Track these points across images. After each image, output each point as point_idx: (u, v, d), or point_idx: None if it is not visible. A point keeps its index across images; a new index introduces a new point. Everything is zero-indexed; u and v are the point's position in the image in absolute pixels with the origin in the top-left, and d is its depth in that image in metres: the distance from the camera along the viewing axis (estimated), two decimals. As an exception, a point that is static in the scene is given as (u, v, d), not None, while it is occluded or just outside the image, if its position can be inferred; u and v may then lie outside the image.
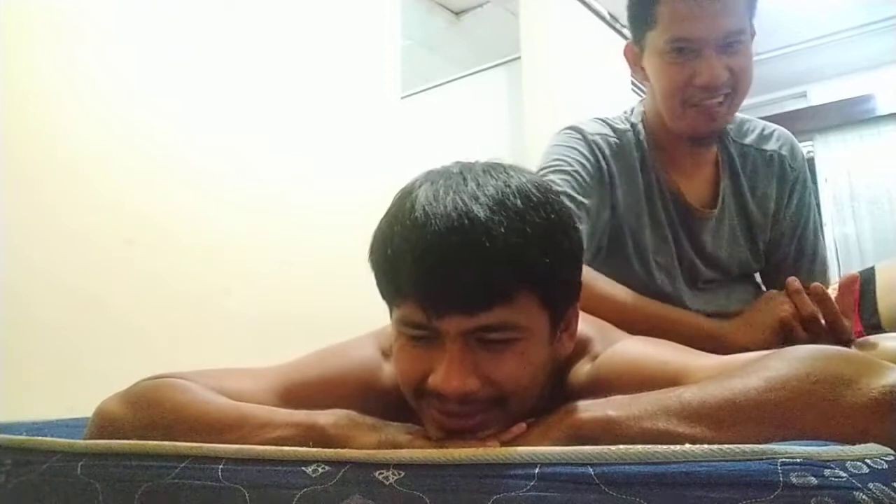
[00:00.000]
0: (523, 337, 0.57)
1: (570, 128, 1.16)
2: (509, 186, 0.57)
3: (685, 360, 0.62)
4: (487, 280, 0.54)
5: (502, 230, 0.54)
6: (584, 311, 0.68)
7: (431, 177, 0.61)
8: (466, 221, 0.54)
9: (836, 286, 0.95)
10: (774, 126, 1.25)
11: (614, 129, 1.17)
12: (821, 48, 3.73)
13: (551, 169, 1.09)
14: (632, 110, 1.22)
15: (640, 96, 1.24)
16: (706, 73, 1.02)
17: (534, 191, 0.58)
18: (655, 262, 1.13)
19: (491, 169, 0.61)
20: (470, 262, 0.53)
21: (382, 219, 0.62)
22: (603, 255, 1.12)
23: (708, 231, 1.15)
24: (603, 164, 1.11)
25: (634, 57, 1.14)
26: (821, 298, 0.91)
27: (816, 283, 0.92)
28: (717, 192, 1.17)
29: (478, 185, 0.57)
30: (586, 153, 1.11)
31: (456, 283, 0.54)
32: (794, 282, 0.95)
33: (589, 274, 0.98)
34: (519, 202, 0.56)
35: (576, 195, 1.05)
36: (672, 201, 1.14)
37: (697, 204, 1.16)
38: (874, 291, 1.28)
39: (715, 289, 1.17)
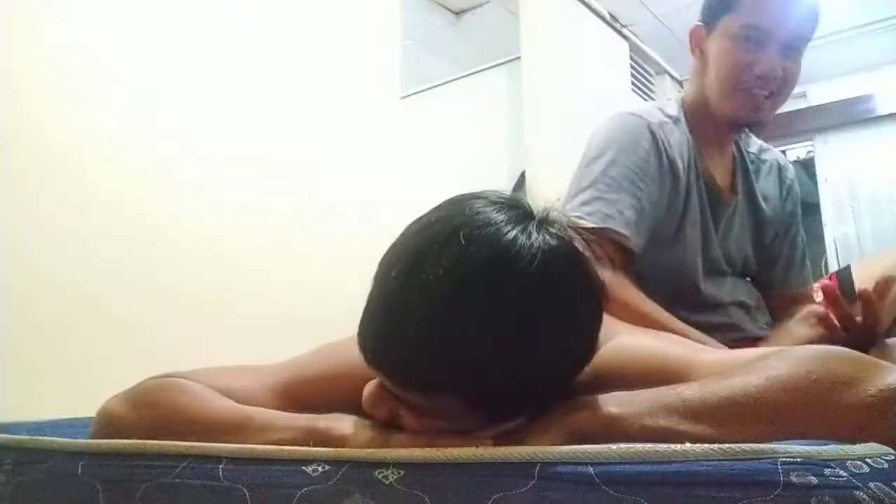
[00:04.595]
0: (436, 416, 0.54)
1: (630, 113, 1.18)
2: (468, 283, 0.50)
3: (687, 354, 0.62)
4: (403, 368, 0.53)
5: (425, 327, 0.50)
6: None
7: (402, 244, 0.56)
8: (401, 307, 0.52)
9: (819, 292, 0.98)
10: (770, 146, 1.37)
11: (668, 115, 1.22)
12: (821, 48, 3.72)
13: (608, 159, 1.10)
14: (674, 99, 1.28)
15: (641, 97, 1.29)
16: (765, 63, 1.11)
17: (501, 295, 0.50)
18: (685, 248, 1.17)
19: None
20: (392, 345, 0.52)
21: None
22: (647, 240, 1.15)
23: (725, 219, 1.22)
24: (664, 152, 1.14)
25: (699, 38, 1.21)
26: (866, 301, 0.94)
27: (863, 288, 0.96)
28: (734, 184, 1.26)
29: (435, 271, 0.50)
30: (647, 143, 1.13)
31: (380, 353, 0.54)
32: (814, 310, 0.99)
33: (621, 285, 1.01)
34: (464, 306, 0.50)
35: (626, 184, 1.08)
36: (706, 186, 1.20)
37: (723, 190, 1.23)
38: (851, 277, 1.31)
39: (722, 279, 1.21)
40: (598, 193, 1.07)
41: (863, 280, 1.10)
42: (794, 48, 1.13)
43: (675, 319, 1.06)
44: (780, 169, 1.32)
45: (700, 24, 1.21)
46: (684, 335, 1.02)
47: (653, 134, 1.14)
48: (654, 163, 1.12)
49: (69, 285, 1.24)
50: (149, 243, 1.37)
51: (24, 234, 1.20)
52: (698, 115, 1.22)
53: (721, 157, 1.25)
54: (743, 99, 1.14)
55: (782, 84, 1.14)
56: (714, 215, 1.20)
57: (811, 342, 0.98)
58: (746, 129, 1.27)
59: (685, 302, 1.15)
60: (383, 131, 1.95)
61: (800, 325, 1.04)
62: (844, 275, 1.01)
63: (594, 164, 1.12)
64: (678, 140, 1.18)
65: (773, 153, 1.35)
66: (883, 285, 0.97)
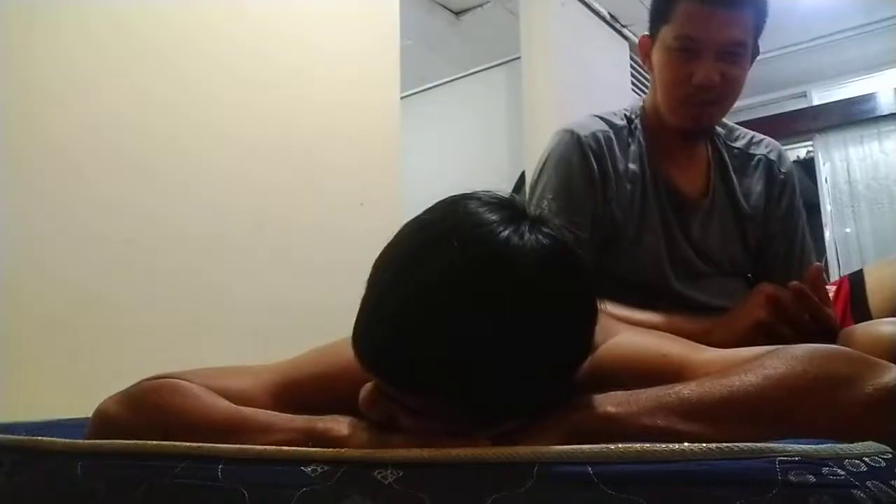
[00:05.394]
0: (432, 418, 0.54)
1: (564, 130, 1.23)
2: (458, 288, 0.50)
3: (685, 353, 0.62)
4: (397, 369, 0.53)
5: (417, 333, 0.50)
6: None
7: (400, 245, 0.56)
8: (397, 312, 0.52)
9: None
10: (764, 136, 1.33)
11: (610, 124, 1.23)
12: (821, 48, 3.73)
13: (542, 186, 1.19)
14: (630, 108, 1.28)
15: (641, 96, 1.28)
16: (701, 73, 1.10)
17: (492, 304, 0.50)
18: (646, 251, 1.18)
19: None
20: (386, 346, 0.52)
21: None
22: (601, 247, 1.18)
23: (698, 221, 1.21)
24: (593, 162, 1.17)
25: (646, 48, 1.21)
26: (800, 295, 0.93)
27: (794, 282, 0.95)
28: (708, 185, 1.23)
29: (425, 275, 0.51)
30: (576, 157, 1.18)
31: (375, 355, 0.54)
32: (769, 288, 0.95)
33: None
34: (458, 314, 0.50)
35: (563, 204, 1.13)
36: (665, 191, 1.20)
37: (689, 194, 1.21)
38: (864, 294, 1.30)
39: (708, 282, 1.20)
40: None
41: (874, 289, 1.11)
42: (732, 52, 1.11)
43: (653, 313, 1.07)
44: (770, 164, 1.28)
45: (647, 34, 1.21)
46: (641, 320, 1.03)
47: (582, 146, 1.18)
48: (585, 176, 1.16)
49: (69, 285, 1.24)
50: (149, 243, 1.37)
51: (25, 233, 1.20)
52: (655, 123, 1.23)
53: (689, 159, 1.24)
54: (686, 110, 1.15)
55: (725, 89, 1.12)
56: (681, 219, 1.20)
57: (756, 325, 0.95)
58: (726, 124, 1.28)
59: (661, 303, 1.15)
60: (383, 131, 1.95)
61: (749, 307, 0.98)
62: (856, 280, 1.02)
63: (535, 187, 1.20)
64: (621, 148, 1.20)
65: (764, 146, 1.30)
66: (813, 276, 0.95)
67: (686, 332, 1.01)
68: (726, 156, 1.26)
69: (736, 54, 1.11)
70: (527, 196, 1.22)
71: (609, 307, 1.03)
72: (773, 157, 1.28)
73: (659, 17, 1.16)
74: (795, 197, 1.28)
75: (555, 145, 1.22)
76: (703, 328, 1.03)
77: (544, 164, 1.22)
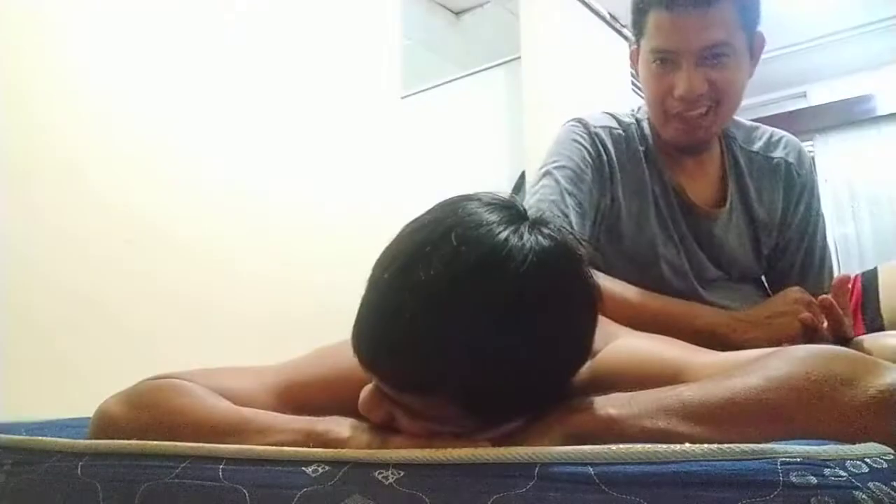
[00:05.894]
0: (432, 419, 0.54)
1: (575, 119, 1.20)
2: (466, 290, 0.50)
3: (685, 356, 0.62)
4: (396, 370, 0.53)
5: (420, 332, 0.50)
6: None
7: (399, 245, 0.55)
8: (397, 311, 0.51)
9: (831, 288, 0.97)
10: (783, 133, 1.26)
11: (619, 122, 1.19)
12: (821, 48, 3.73)
13: (551, 164, 1.14)
14: (639, 108, 1.24)
15: (641, 97, 1.26)
16: (683, 84, 1.04)
17: (498, 305, 0.50)
18: (662, 256, 1.14)
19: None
20: (385, 347, 0.52)
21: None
22: (605, 247, 1.15)
23: (715, 230, 1.16)
24: (604, 155, 1.14)
25: (634, 59, 1.16)
26: (828, 309, 0.92)
27: (824, 296, 0.93)
28: (723, 193, 1.18)
29: (428, 273, 0.50)
30: (587, 144, 1.14)
31: (374, 356, 0.54)
32: (826, 300, 0.94)
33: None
34: (465, 321, 0.50)
35: (569, 186, 1.10)
36: (676, 198, 1.16)
37: (702, 203, 1.17)
38: (877, 293, 1.27)
39: (721, 288, 1.17)
40: (544, 196, 1.08)
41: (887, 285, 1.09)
42: (715, 55, 1.03)
43: (655, 294, 1.06)
44: (789, 167, 1.21)
45: (635, 45, 1.16)
46: (663, 307, 1.04)
47: (590, 135, 1.15)
48: (593, 161, 1.13)
49: (69, 285, 1.24)
50: (149, 243, 1.37)
51: (25, 234, 1.20)
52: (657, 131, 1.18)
53: (698, 166, 1.18)
54: (677, 124, 1.09)
55: (717, 95, 1.05)
56: (693, 226, 1.15)
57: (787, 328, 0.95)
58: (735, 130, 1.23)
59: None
60: (383, 131, 1.95)
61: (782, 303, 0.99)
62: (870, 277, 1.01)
63: (541, 170, 1.15)
64: (630, 149, 1.16)
65: (783, 147, 1.23)
66: (840, 287, 0.95)
67: (706, 322, 1.02)
68: (742, 160, 1.20)
69: (720, 55, 1.03)
70: (531, 182, 1.18)
71: (629, 291, 1.03)
72: (791, 158, 1.22)
73: (636, 30, 1.11)
74: (813, 199, 1.23)
75: (565, 132, 1.18)
76: (727, 322, 1.02)
77: (550, 152, 1.18)
